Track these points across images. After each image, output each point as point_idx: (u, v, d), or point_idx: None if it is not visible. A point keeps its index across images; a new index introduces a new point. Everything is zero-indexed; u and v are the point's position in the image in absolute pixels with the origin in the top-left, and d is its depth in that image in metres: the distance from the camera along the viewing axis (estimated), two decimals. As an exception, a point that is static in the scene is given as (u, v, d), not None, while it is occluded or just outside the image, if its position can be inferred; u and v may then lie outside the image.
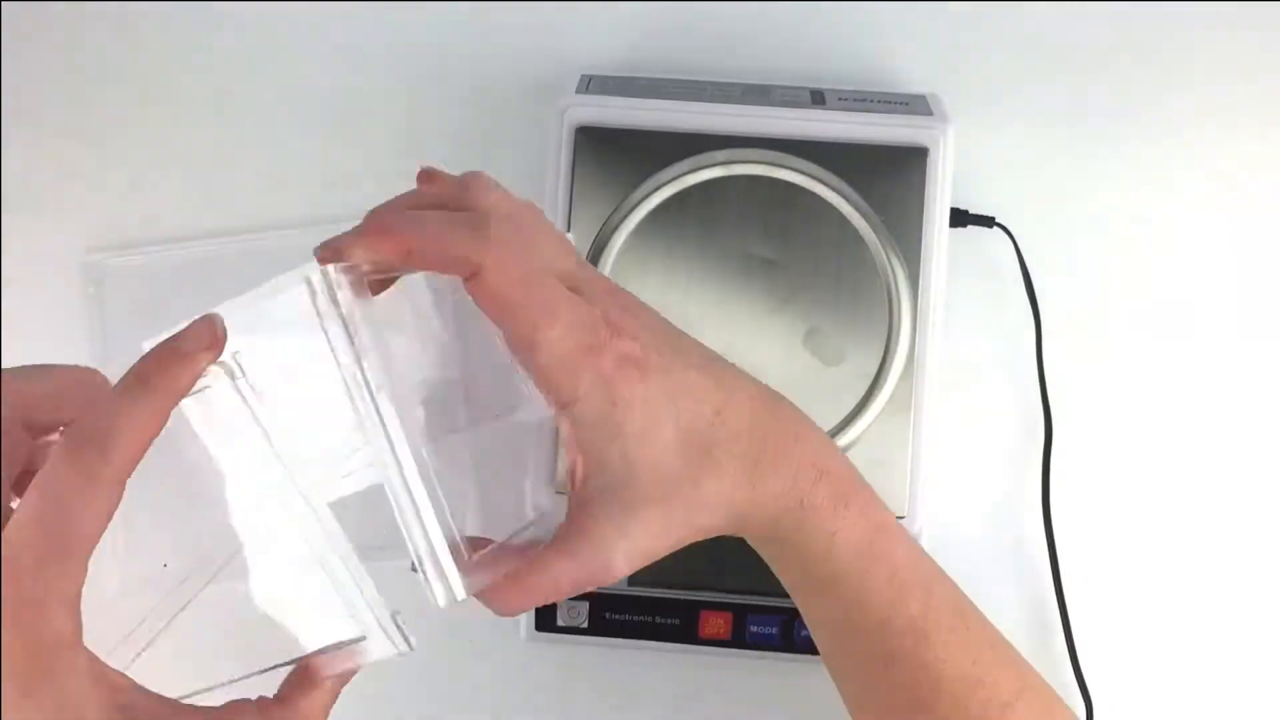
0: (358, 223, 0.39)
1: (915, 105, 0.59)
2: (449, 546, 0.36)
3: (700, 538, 0.40)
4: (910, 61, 0.63)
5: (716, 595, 0.58)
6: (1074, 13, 0.62)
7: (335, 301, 0.36)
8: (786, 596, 0.58)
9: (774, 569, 0.45)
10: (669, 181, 0.57)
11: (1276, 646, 0.63)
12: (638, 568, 0.39)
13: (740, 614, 0.59)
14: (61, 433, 0.37)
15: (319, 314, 0.36)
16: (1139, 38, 0.63)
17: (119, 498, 0.34)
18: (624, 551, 0.39)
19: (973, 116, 0.61)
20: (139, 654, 0.37)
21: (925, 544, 0.57)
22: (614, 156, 0.57)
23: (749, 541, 0.43)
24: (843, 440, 0.56)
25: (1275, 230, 0.63)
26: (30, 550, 0.33)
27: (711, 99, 0.58)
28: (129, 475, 0.34)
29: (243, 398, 0.36)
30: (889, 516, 0.43)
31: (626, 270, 0.57)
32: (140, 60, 0.64)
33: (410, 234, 0.37)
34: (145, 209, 0.64)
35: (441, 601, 0.37)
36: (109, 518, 0.34)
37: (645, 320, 0.40)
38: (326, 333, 0.36)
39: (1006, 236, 0.61)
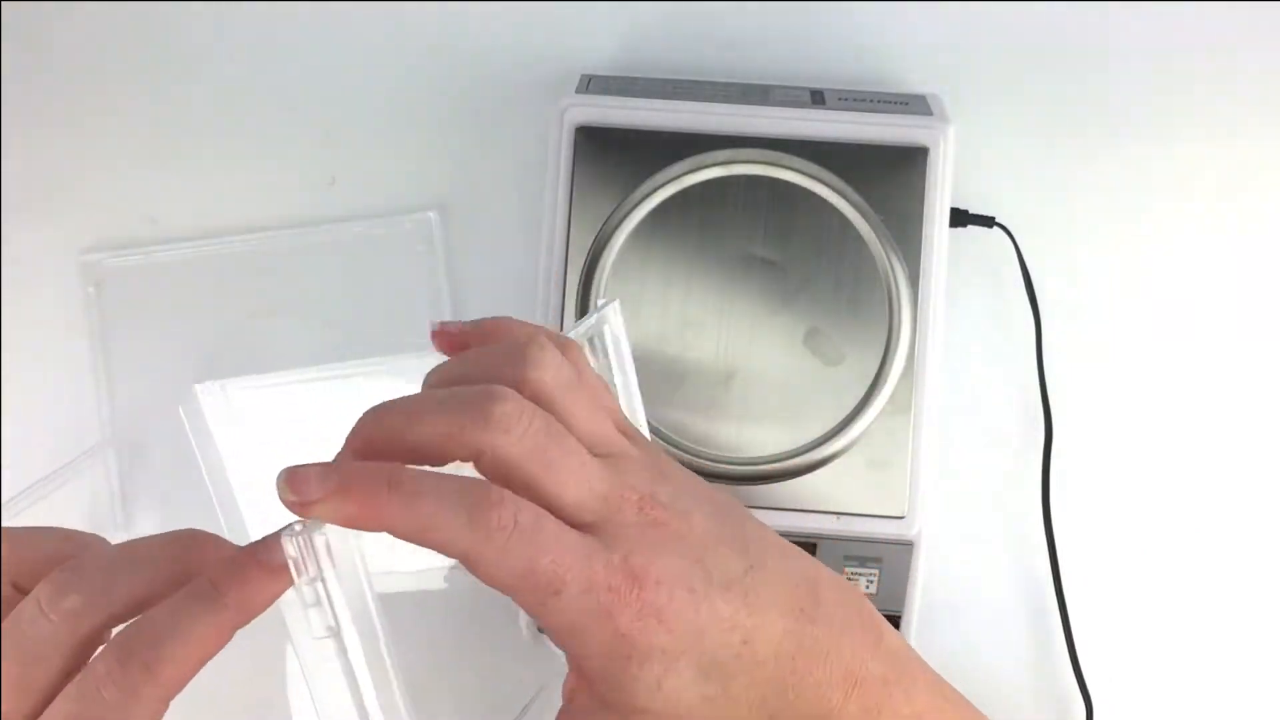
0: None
1: (915, 105, 0.59)
2: None
3: None
4: (910, 61, 0.63)
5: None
6: (1074, 13, 0.62)
7: (318, 565, 0.31)
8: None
9: None
10: (669, 181, 0.57)
11: (1276, 646, 0.63)
12: None
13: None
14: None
15: (296, 586, 0.31)
16: (1139, 38, 0.63)
17: (160, 717, 0.31)
18: None
19: (973, 116, 0.61)
20: None
21: (925, 544, 0.57)
22: (614, 156, 0.57)
23: None
24: (843, 440, 0.56)
25: (1275, 230, 0.63)
26: None
27: (711, 99, 0.58)
28: (176, 694, 0.31)
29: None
30: (931, 699, 0.39)
31: (626, 270, 0.57)
32: (140, 60, 0.64)
33: (394, 513, 0.32)
34: (145, 209, 0.64)
35: None
36: None
37: (676, 540, 0.36)
38: (305, 611, 0.32)
39: (1006, 236, 0.61)
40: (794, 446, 0.56)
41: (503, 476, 0.33)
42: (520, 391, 0.34)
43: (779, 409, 0.56)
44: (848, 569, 0.57)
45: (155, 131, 0.64)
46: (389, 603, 0.34)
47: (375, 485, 0.31)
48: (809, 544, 0.57)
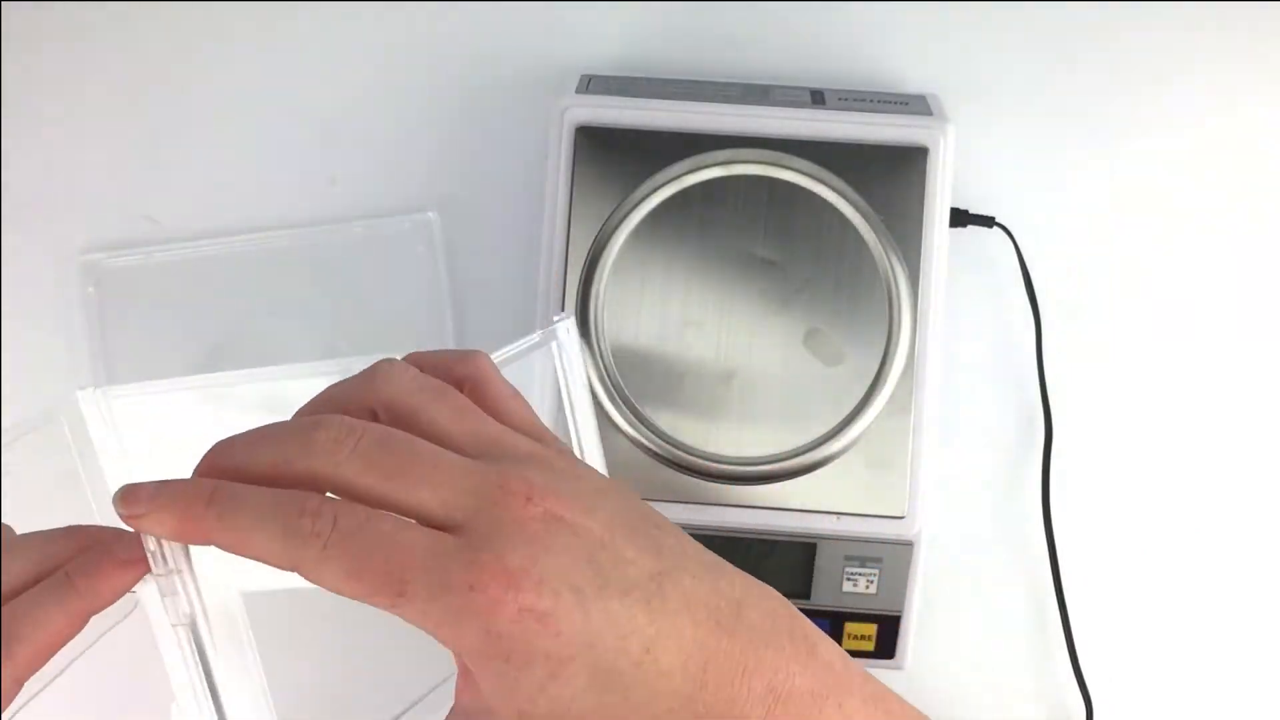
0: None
1: (915, 105, 0.59)
2: None
3: None
4: (910, 61, 0.63)
5: (716, 595, 0.58)
6: (1074, 13, 0.62)
7: (174, 557, 0.33)
8: (785, 596, 0.58)
9: None
10: (669, 181, 0.57)
11: (1276, 646, 0.63)
12: None
13: (740, 614, 0.59)
14: None
15: (155, 578, 0.33)
16: (1139, 38, 0.63)
17: (12, 698, 0.32)
18: None
19: (973, 116, 0.61)
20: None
21: (925, 544, 0.57)
22: (614, 156, 0.57)
23: None
24: (843, 440, 0.56)
25: (1276, 230, 0.63)
26: None
27: (711, 99, 0.58)
28: (29, 675, 0.32)
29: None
30: (869, 711, 0.37)
31: (626, 270, 0.57)
32: (140, 60, 0.64)
33: (211, 525, 0.32)
34: (145, 209, 0.64)
35: None
36: None
37: (571, 536, 0.34)
38: (164, 601, 0.33)
39: (1006, 236, 0.61)
40: (794, 446, 0.56)
41: (351, 498, 0.33)
42: (377, 413, 0.34)
43: (779, 409, 0.56)
44: (848, 569, 0.57)
45: (155, 131, 0.64)
46: (257, 600, 0.35)
47: (194, 499, 0.32)
48: (809, 544, 0.57)
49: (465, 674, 0.35)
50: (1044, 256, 0.62)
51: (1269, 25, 0.62)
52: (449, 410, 0.35)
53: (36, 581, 0.34)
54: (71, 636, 0.33)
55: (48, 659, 0.33)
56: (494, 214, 0.64)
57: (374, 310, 0.64)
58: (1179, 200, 0.63)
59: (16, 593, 0.33)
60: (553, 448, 0.37)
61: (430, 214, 0.64)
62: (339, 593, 0.32)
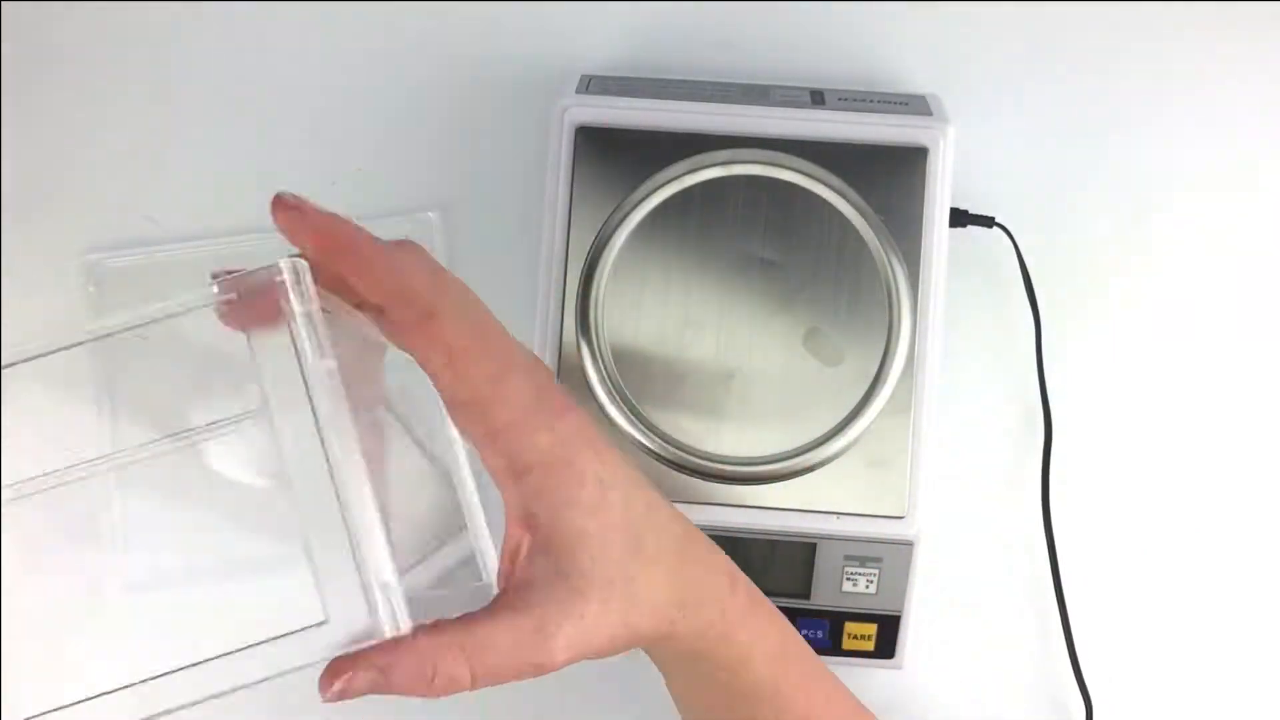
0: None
1: (915, 105, 0.59)
2: (394, 573, 0.34)
3: (630, 647, 0.39)
4: (910, 61, 0.63)
5: (716, 595, 0.59)
6: (1074, 13, 0.62)
7: (305, 297, 0.35)
8: (785, 596, 0.58)
9: (687, 692, 0.44)
10: (669, 181, 0.57)
11: (1276, 646, 0.63)
12: (573, 661, 0.37)
13: (740, 614, 0.59)
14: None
15: (291, 310, 0.35)
16: (1139, 37, 0.63)
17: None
18: (566, 638, 0.36)
19: (973, 116, 0.61)
20: None
21: (925, 544, 0.57)
22: (614, 156, 0.57)
23: (665, 667, 0.43)
24: (843, 440, 0.56)
25: (1276, 230, 0.63)
26: None
27: (711, 99, 0.58)
28: None
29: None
30: (784, 619, 0.44)
31: (626, 270, 0.57)
32: (140, 60, 0.64)
33: (373, 255, 0.35)
34: (145, 209, 0.64)
35: (388, 630, 0.34)
36: None
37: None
38: (298, 330, 0.35)
39: (1006, 236, 0.61)
40: (794, 446, 0.56)
41: None
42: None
43: (779, 409, 0.56)
44: (848, 569, 0.57)
45: (155, 131, 0.64)
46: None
47: (353, 237, 0.36)
48: (809, 544, 0.57)
49: (519, 519, 0.37)
50: (1044, 256, 0.62)
51: (1269, 27, 0.62)
52: None
53: None
54: None
55: None
56: (494, 214, 0.64)
57: (374, 310, 0.64)
58: (1179, 200, 0.63)
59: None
60: None
61: (430, 214, 0.64)
62: (458, 354, 0.35)
